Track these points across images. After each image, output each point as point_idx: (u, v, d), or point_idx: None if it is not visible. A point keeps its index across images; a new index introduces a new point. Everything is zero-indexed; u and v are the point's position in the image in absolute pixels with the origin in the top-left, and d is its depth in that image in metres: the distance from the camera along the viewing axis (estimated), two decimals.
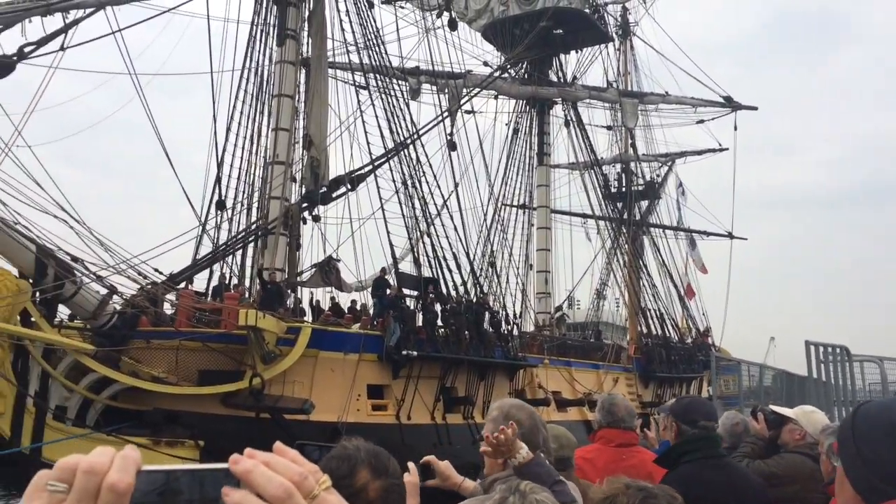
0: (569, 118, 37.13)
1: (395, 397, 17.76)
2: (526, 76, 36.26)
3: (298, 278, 21.10)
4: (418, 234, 19.86)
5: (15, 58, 14.12)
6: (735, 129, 39.58)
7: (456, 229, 21.34)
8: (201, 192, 20.92)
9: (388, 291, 18.42)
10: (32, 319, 13.87)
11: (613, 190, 42.21)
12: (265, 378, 15.18)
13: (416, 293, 19.18)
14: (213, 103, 19.82)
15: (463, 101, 31.64)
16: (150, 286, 15.79)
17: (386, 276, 19.09)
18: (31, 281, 13.78)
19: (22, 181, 13.78)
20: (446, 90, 32.39)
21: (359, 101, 21.26)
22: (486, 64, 34.56)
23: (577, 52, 38.62)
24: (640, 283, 37.88)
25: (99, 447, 0.83)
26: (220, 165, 16.10)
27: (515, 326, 23.97)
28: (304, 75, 22.20)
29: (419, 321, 18.78)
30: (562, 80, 37.46)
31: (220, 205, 16.33)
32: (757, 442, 4.83)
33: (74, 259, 14.66)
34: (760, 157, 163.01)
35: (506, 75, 34.68)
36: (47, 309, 14.27)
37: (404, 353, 17.34)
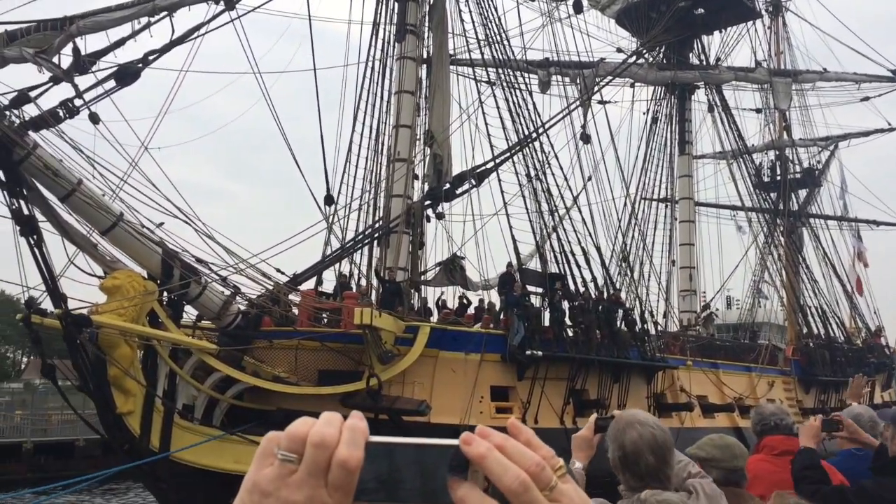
0: (713, 102, 34.70)
1: (521, 399, 16.89)
2: (664, 61, 34.23)
3: (423, 277, 20.74)
4: (544, 229, 18.89)
5: (140, 64, 14.48)
6: None
7: (585, 224, 20.19)
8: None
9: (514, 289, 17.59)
10: (160, 320, 14.25)
11: (766, 179, 39.09)
12: (382, 378, 14.79)
13: (541, 290, 18.24)
14: (340, 99, 19.87)
15: (595, 90, 30.27)
16: (274, 287, 15.85)
17: (513, 273, 18.28)
18: (158, 282, 14.15)
19: (146, 184, 14.18)
20: (578, 81, 31.07)
21: (479, 94, 20.55)
22: (619, 50, 32.95)
23: (720, 31, 36.10)
24: (799, 278, 34.76)
25: (325, 414, 0.80)
26: (324, 159, 15.88)
27: (653, 325, 22.40)
28: (425, 71, 21.85)
29: (545, 320, 17.80)
30: (704, 62, 35.07)
31: (329, 200, 16.13)
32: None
33: (199, 261, 14.94)
34: None
35: (641, 61, 32.88)
36: (174, 309, 14.62)
37: (528, 353, 16.45)
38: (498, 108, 20.32)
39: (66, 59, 13.13)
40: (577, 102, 26.84)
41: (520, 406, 16.87)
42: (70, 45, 11.60)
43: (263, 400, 15.11)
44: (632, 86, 34.75)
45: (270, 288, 15.42)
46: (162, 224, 14.37)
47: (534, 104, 22.08)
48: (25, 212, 12.89)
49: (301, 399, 15.05)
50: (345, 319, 15.43)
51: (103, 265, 14.20)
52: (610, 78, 30.48)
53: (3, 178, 12.66)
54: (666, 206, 36.91)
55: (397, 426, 14.77)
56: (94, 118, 12.71)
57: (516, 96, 21.49)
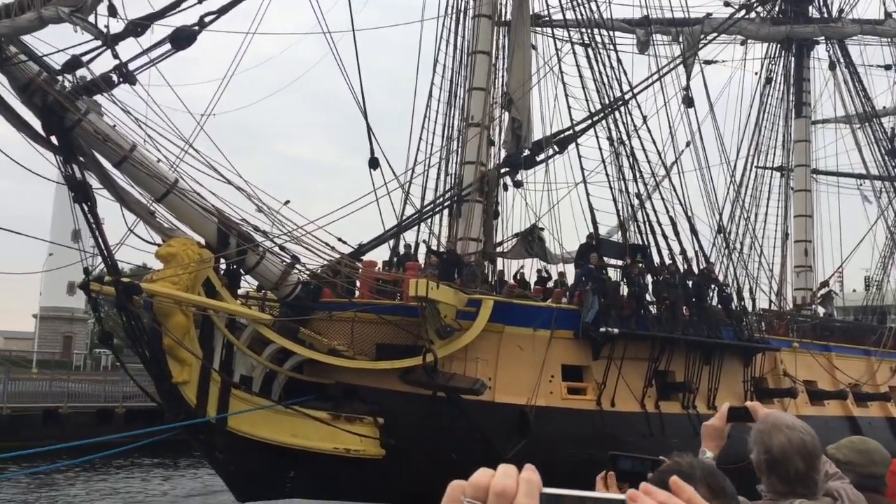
0: (835, 59, 31.46)
1: (596, 380, 15.64)
2: (779, 14, 31.30)
3: (498, 249, 19.73)
4: (628, 200, 17.38)
5: (196, 27, 14.05)
6: None
7: (676, 192, 18.50)
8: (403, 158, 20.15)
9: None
10: (217, 289, 13.97)
11: None
12: (441, 354, 13.97)
13: (620, 263, 16.82)
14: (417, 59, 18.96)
15: (698, 48, 28.01)
16: (333, 257, 15.29)
17: (592, 244, 16.96)
18: (213, 250, 13.85)
19: (205, 152, 13.83)
20: (680, 39, 28.82)
21: (558, 52, 19.12)
22: (727, 4, 30.30)
23: None
24: None
25: (502, 467, 0.93)
26: (365, 118, 14.93)
27: (751, 302, 20.45)
28: (503, 31, 20.63)
29: (624, 295, 16.40)
30: (825, 15, 31.83)
31: (373, 163, 15.24)
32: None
33: (256, 229, 14.54)
34: None
35: (753, 15, 30.15)
36: (231, 279, 14.31)
37: (602, 329, 15.17)
38: (579, 68, 18.78)
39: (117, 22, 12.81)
40: (675, 62, 24.72)
41: (595, 387, 15.63)
42: (105, 3, 11.25)
43: (322, 373, 14.63)
44: (742, 43, 32.08)
45: (329, 258, 14.84)
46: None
47: (621, 66, 20.31)
48: (78, 178, 12.80)
49: (359, 373, 14.49)
50: (404, 291, 14.68)
51: (161, 233, 14.04)
52: (715, 35, 28.13)
53: (56, 144, 12.59)
54: (781, 176, 34.11)
55: (456, 406, 13.93)
56: (131, 79, 12.38)
57: (602, 56, 19.88)
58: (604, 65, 19.56)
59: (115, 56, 11.71)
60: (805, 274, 29.88)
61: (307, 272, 14.94)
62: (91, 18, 11.57)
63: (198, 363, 13.60)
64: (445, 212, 19.19)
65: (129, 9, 12.01)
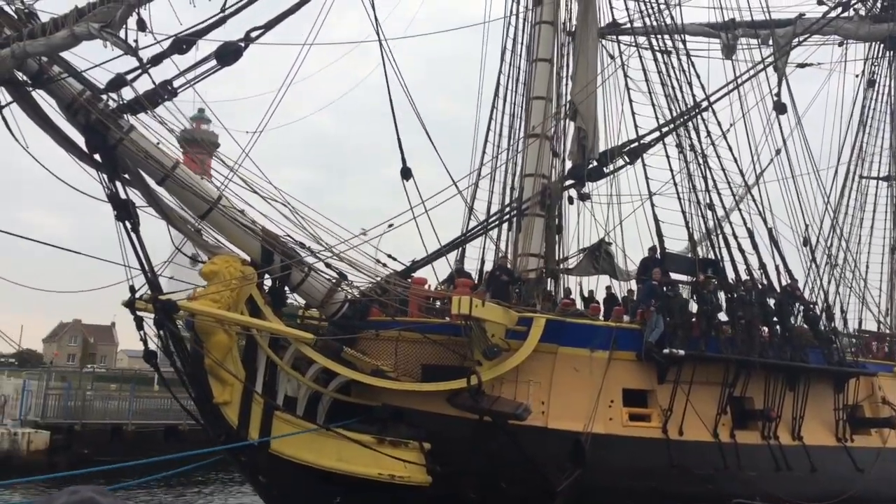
0: None
1: (661, 406, 14.41)
2: (880, 11, 28.94)
3: (564, 265, 18.76)
4: (700, 210, 16.12)
5: (243, 43, 13.94)
6: None
7: (754, 202, 17.05)
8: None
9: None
10: (264, 307, 13.70)
11: None
12: (489, 376, 13.19)
13: (690, 279, 15.53)
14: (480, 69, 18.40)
15: (790, 50, 26.26)
16: (381, 275, 14.79)
17: (655, 258, 15.79)
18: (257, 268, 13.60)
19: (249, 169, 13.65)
20: (770, 41, 27.09)
21: (621, 57, 18.10)
22: (821, 2, 28.24)
23: None
24: None
25: None
26: (395, 127, 14.28)
27: (843, 322, 18.56)
28: (567, 39, 19.79)
29: (693, 313, 15.09)
30: None
31: (405, 173, 14.56)
32: None
33: (301, 245, 14.23)
34: None
35: (850, 13, 27.98)
36: (275, 297, 14.03)
37: (666, 351, 13.96)
38: (646, 72, 17.68)
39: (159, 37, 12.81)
40: (760, 67, 23.10)
41: (660, 414, 14.40)
42: (134, 18, 11.24)
43: (369, 395, 14.09)
44: (840, 44, 29.86)
45: (375, 275, 14.34)
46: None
47: (694, 70, 19.03)
48: (122, 196, 12.83)
49: (406, 395, 13.86)
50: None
51: (206, 251, 13.94)
52: (808, 36, 26.26)
53: (100, 162, 12.67)
54: (889, 186, 31.51)
55: (504, 432, 13.07)
56: (165, 94, 12.30)
57: (673, 62, 18.67)
58: (674, 70, 18.39)
59: (145, 71, 11.63)
60: None
61: (353, 290, 14.50)
62: (131, 36, 11.61)
63: (240, 383, 13.34)
64: (506, 227, 18.41)
65: (161, 25, 11.91)
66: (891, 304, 29.70)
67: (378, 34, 15.63)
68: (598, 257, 18.27)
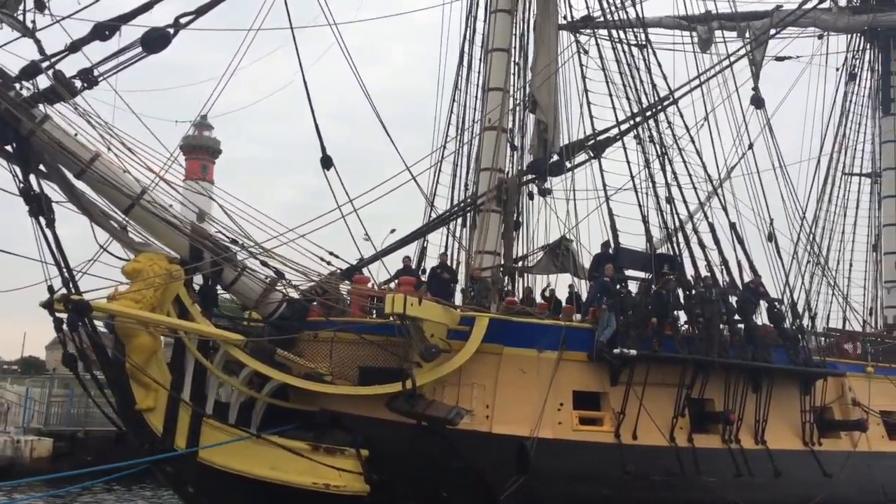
0: None
1: (614, 409, 13.68)
2: (860, 2, 28.33)
3: (523, 263, 18.05)
4: (658, 202, 15.44)
5: (171, 30, 13.18)
6: None
7: (718, 197, 16.34)
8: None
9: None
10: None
11: None
12: (427, 378, 12.51)
13: (645, 275, 14.82)
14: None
15: (766, 41, 25.69)
16: (323, 274, 14.06)
17: (608, 254, 15.07)
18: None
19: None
20: (747, 34, 26.47)
21: (578, 44, 17.42)
22: None
23: None
24: None
25: None
26: (313, 115, 13.52)
27: (812, 321, 17.83)
28: (527, 28, 19.10)
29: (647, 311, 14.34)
30: None
31: (326, 162, 13.73)
32: None
33: (233, 241, 13.48)
34: None
35: (829, 4, 27.35)
36: (206, 297, 13.28)
37: (617, 351, 13.24)
38: (603, 61, 17.00)
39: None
40: (732, 60, 22.43)
41: (612, 417, 13.66)
42: None
43: (308, 400, 13.35)
44: (820, 37, 29.24)
45: (311, 273, 13.60)
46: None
47: (658, 64, 18.35)
48: (36, 190, 12.09)
49: (345, 400, 13.12)
50: None
51: (131, 249, 13.20)
52: (784, 28, 25.66)
53: (12, 154, 11.93)
54: (872, 182, 30.92)
55: (443, 438, 12.34)
56: (84, 83, 11.58)
57: (636, 55, 18.00)
58: (635, 62, 17.72)
59: (41, 52, 10.92)
60: None
61: (290, 289, 13.77)
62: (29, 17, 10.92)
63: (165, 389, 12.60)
64: (463, 223, 17.71)
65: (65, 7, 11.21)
66: (876, 304, 29.10)
67: (326, 16, 14.95)
68: (559, 255, 17.54)
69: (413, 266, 16.27)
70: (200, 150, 60.54)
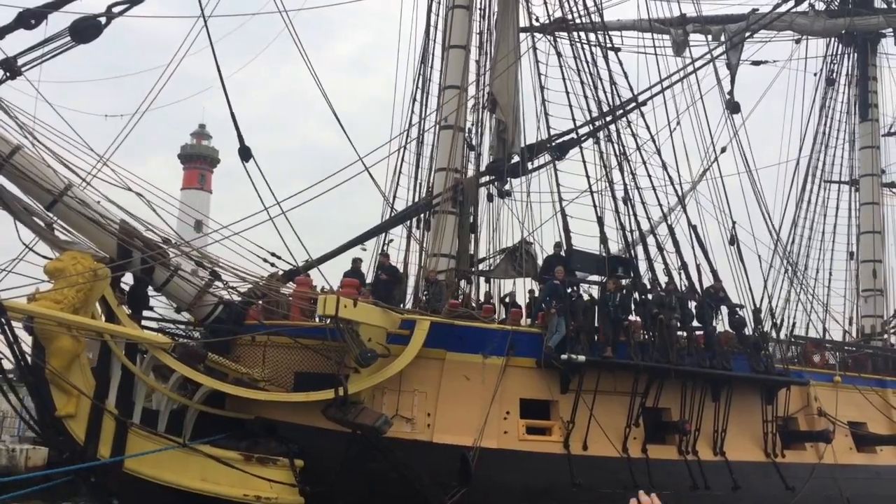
0: None
1: (563, 418, 13.07)
2: (837, 5, 27.96)
3: (484, 266, 17.47)
4: (615, 207, 14.90)
5: (102, 19, 12.56)
6: None
7: (679, 199, 15.80)
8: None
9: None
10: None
11: None
12: (365, 384, 11.91)
13: (598, 278, 14.25)
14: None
15: (741, 45, 25.26)
16: (260, 276, 13.44)
17: (560, 255, 14.52)
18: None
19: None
20: (722, 37, 26.07)
21: (533, 40, 16.91)
22: None
23: None
24: None
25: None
26: (228, 104, 12.93)
27: (774, 328, 17.25)
28: (487, 25, 18.60)
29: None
30: (893, 4, 28.29)
31: (244, 153, 13.05)
32: None
33: (165, 240, 12.85)
34: None
35: (806, 7, 26.94)
36: (135, 298, 12.64)
37: (565, 357, 12.64)
38: (561, 58, 16.51)
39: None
40: (701, 63, 21.99)
41: (562, 426, 13.05)
42: None
43: (242, 407, 12.72)
44: (798, 41, 28.88)
45: (244, 274, 12.98)
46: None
47: (620, 66, 17.88)
48: None
49: (283, 408, 12.50)
50: None
51: (56, 247, 12.55)
52: (753, 32, 25.29)
53: None
54: (851, 189, 30.47)
55: (377, 448, 11.70)
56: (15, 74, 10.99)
57: (595, 56, 17.50)
58: (595, 65, 17.21)
59: None
60: (874, 299, 26.08)
61: (227, 291, 13.15)
62: None
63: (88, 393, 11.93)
64: (419, 225, 17.13)
65: None
66: (855, 313, 28.60)
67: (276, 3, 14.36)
68: (519, 258, 16.95)
69: (362, 269, 15.63)
70: (198, 160, 60.18)
